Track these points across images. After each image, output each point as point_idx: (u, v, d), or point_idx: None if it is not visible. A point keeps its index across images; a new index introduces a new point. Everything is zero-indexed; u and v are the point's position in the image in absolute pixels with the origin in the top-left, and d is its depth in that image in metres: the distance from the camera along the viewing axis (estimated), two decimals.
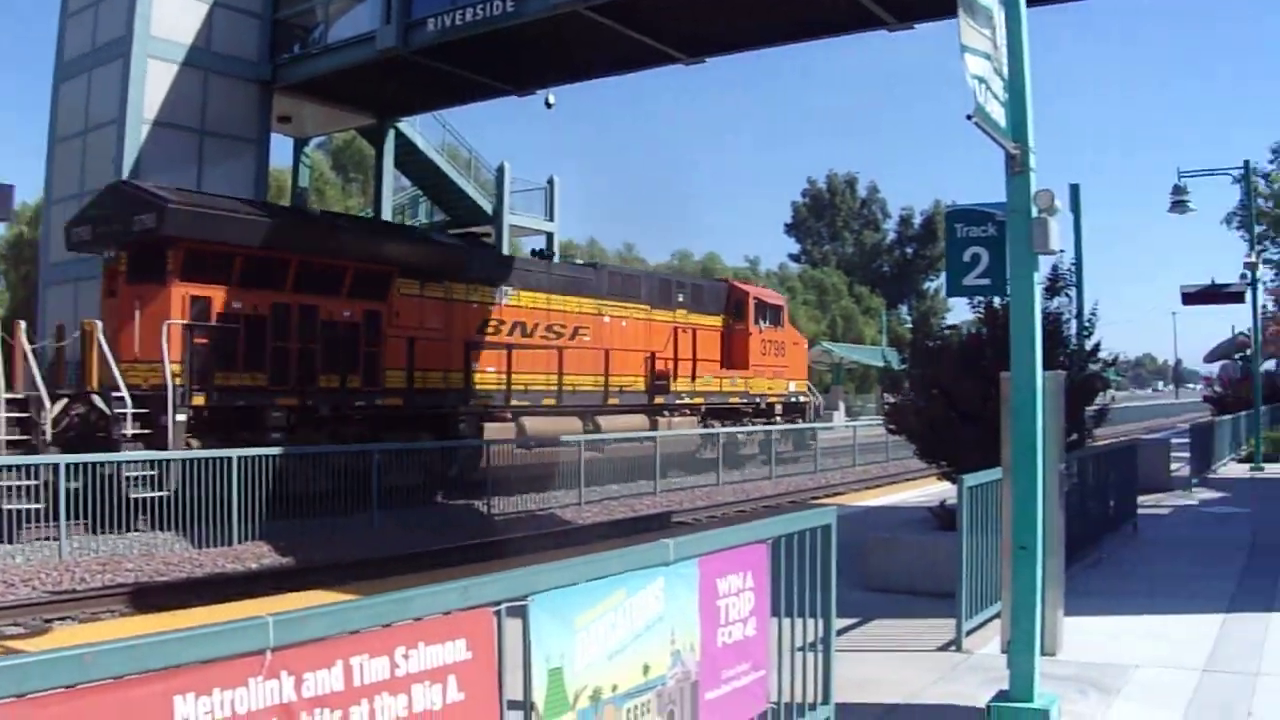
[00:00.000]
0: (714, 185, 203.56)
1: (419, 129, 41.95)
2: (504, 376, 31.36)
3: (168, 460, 20.94)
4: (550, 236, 47.38)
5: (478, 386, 30.75)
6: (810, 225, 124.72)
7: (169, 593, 17.39)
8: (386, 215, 41.39)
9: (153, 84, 31.90)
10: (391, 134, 40.89)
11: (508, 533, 23.97)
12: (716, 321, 40.86)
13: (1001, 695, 8.38)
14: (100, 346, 22.70)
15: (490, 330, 31.43)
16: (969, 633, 10.88)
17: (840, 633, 8.55)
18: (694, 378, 38.79)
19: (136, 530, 20.58)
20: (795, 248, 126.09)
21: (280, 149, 41.63)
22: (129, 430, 21.92)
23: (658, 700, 5.99)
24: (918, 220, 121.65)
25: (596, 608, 5.56)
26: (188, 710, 3.71)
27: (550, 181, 47.40)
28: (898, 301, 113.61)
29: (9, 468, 19.59)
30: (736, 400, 41.16)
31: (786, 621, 7.22)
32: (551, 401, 32.94)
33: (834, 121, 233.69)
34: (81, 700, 3.47)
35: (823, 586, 7.55)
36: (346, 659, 4.26)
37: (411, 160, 42.34)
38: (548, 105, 38.05)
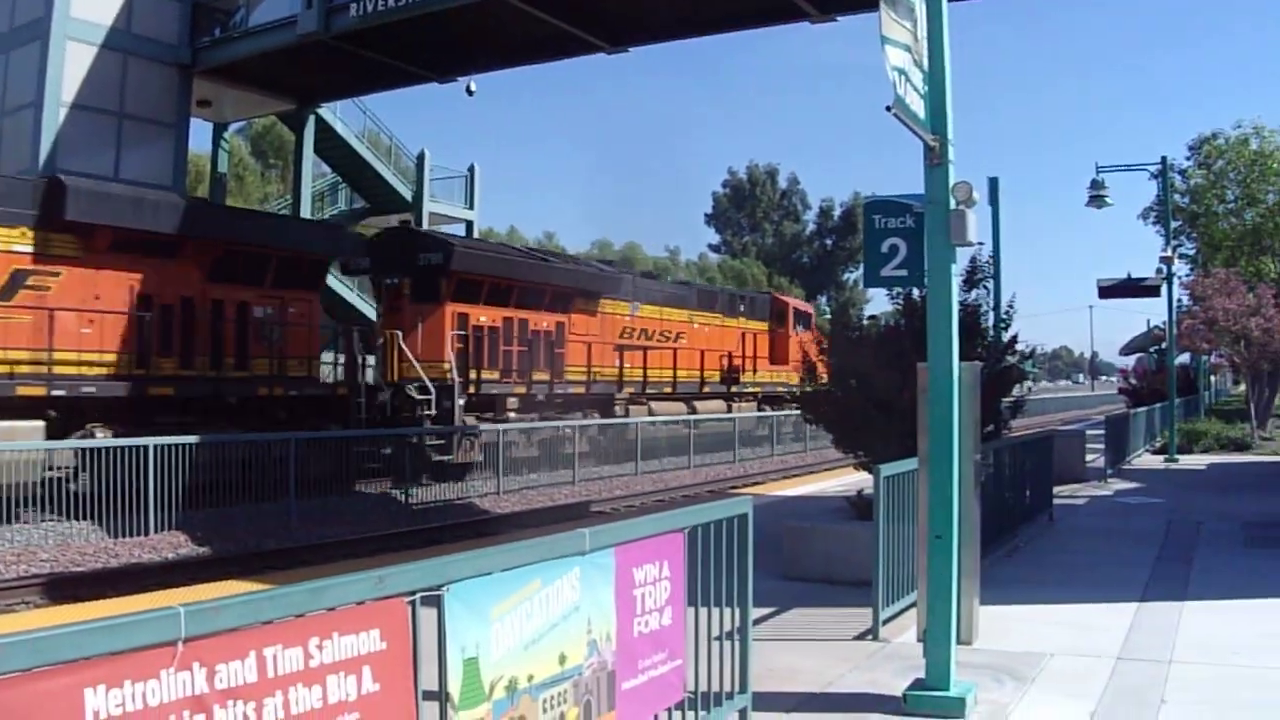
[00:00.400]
0: (635, 174, 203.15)
1: (340, 115, 41.62)
2: (640, 370, 40.78)
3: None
4: (470, 225, 47.24)
5: (625, 378, 39.82)
6: (730, 216, 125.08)
7: (84, 584, 17.20)
8: (305, 201, 41.16)
9: (71, 66, 31.30)
10: (312, 120, 40.54)
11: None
12: (764, 327, 50.11)
13: (918, 684, 8.45)
14: (402, 349, 30.18)
15: (628, 336, 40.60)
16: (886, 621, 10.94)
17: (757, 622, 8.57)
18: (754, 372, 48.40)
19: (51, 520, 20.35)
20: (715, 238, 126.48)
21: (199, 134, 41.27)
22: (431, 411, 29.49)
23: (574, 690, 5.99)
24: (837, 212, 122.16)
25: (512, 597, 5.55)
26: (98, 703, 3.67)
27: (470, 169, 47.26)
28: (817, 293, 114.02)
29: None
30: (781, 390, 47.58)
31: (704, 611, 7.23)
32: (669, 390, 42.32)
33: (755, 113, 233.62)
34: None
35: (739, 576, 7.57)
36: (260, 650, 4.23)
37: (332, 146, 42.03)
38: (469, 92, 37.93)
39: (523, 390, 34.42)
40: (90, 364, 23.95)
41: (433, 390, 29.41)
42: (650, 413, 39.80)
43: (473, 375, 32.12)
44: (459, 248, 33.14)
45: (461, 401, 30.37)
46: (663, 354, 42.11)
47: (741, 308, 48.89)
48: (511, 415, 33.37)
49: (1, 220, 22.57)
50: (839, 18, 29.27)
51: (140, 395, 24.87)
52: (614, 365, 39.14)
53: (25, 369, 22.60)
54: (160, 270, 25.60)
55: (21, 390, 22.20)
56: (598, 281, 39.23)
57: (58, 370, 23.09)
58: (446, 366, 30.58)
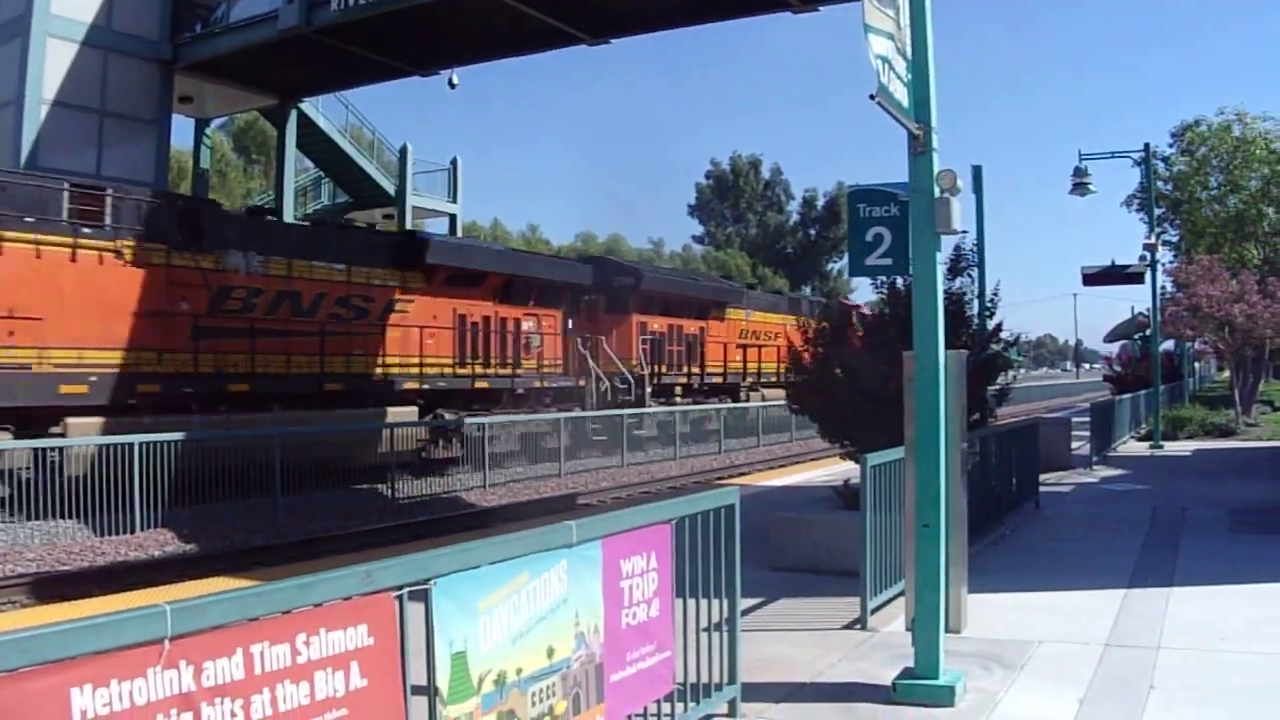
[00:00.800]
0: (618, 167, 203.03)
1: (321, 110, 41.55)
2: (757, 365, 50.64)
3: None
4: (453, 218, 47.24)
5: (746, 370, 49.81)
6: (714, 207, 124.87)
7: (70, 582, 17.13)
8: (288, 197, 41.09)
9: (52, 63, 31.23)
10: (294, 115, 40.44)
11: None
12: None
13: (907, 672, 8.45)
14: (607, 351, 40.13)
15: (744, 337, 50.18)
16: (874, 611, 10.94)
17: (745, 613, 8.59)
18: None
19: (37, 519, 20.28)
20: (699, 229, 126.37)
21: (181, 130, 41.20)
22: (631, 398, 39.87)
23: (562, 683, 5.99)
24: (821, 202, 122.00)
25: (499, 591, 5.55)
26: (85, 703, 3.66)
27: (453, 163, 47.25)
28: (801, 283, 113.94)
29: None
30: None
31: (692, 602, 7.23)
32: (774, 379, 48.65)
33: (737, 104, 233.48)
34: None
35: (727, 566, 7.58)
36: (247, 647, 4.22)
37: (314, 141, 41.99)
38: (451, 85, 37.82)
39: (684, 380, 45.19)
40: (433, 366, 31.95)
41: (632, 382, 40.24)
42: (763, 399, 48.35)
43: (654, 370, 42.31)
44: (646, 273, 46.08)
45: (649, 390, 41.11)
46: (767, 350, 51.14)
47: (816, 311, 50.18)
48: (678, 400, 43.78)
49: (380, 264, 30.41)
50: (821, 8, 29.25)
51: (468, 389, 33.44)
52: (738, 360, 49.45)
53: (397, 370, 30.81)
54: (469, 297, 33.64)
55: (406, 387, 30.97)
56: (725, 294, 50.38)
57: (426, 370, 31.66)
58: (635, 363, 41.12)
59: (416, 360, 31.12)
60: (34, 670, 3.53)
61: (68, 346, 22.44)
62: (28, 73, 30.75)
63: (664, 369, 43.57)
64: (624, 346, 41.19)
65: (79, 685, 3.64)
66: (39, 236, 22.06)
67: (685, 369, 45.63)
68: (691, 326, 45.90)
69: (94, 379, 22.83)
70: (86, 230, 22.98)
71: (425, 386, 31.51)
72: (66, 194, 22.97)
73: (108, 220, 23.58)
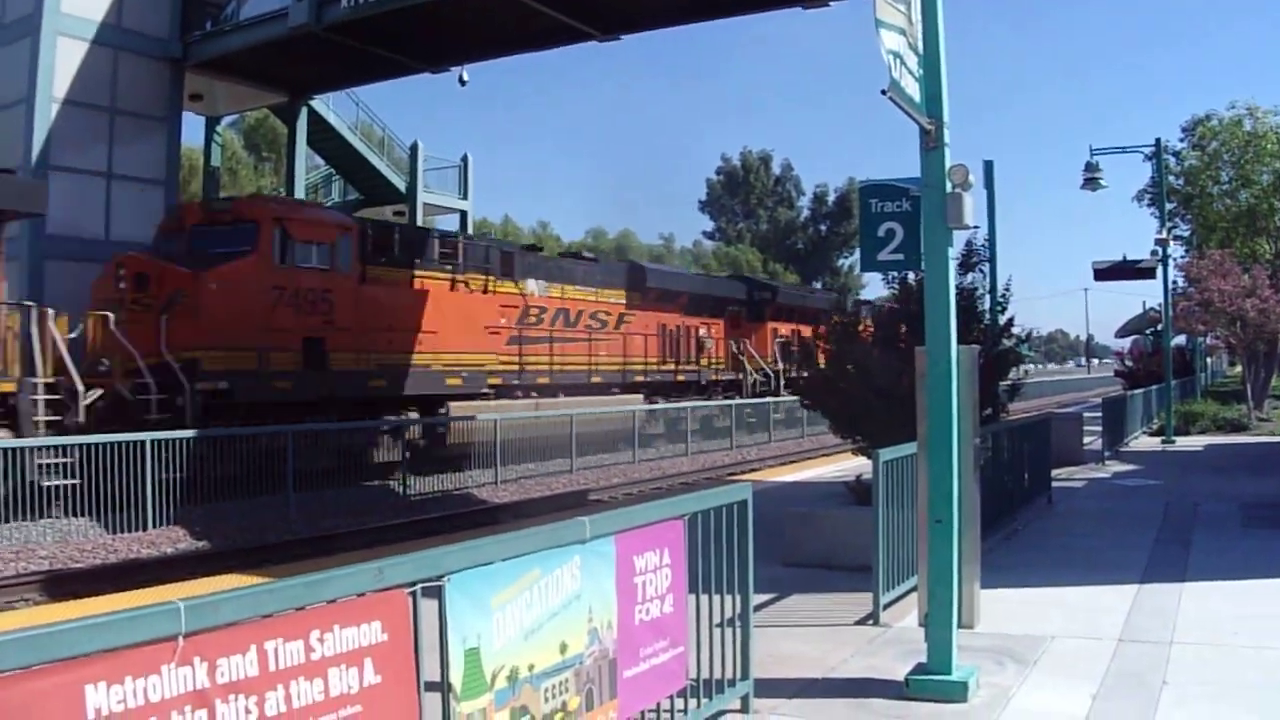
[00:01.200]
0: (628, 163, 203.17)
1: (332, 107, 41.62)
2: None
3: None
4: (464, 215, 47.32)
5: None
6: (725, 202, 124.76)
7: (83, 580, 17.15)
8: (299, 194, 40.99)
9: (62, 62, 31.30)
10: (304, 112, 40.52)
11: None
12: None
13: (920, 668, 8.44)
14: (750, 352, 48.45)
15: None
16: (886, 606, 10.94)
17: (758, 608, 8.57)
18: None
19: (50, 517, 20.31)
20: (710, 225, 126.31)
21: (192, 128, 41.29)
22: (770, 389, 48.28)
23: (576, 679, 5.99)
24: (832, 197, 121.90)
25: (512, 587, 5.55)
26: (99, 700, 3.66)
27: (464, 159, 47.35)
28: (812, 278, 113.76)
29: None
30: None
31: (704, 598, 7.23)
32: None
33: (747, 100, 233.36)
34: None
35: (740, 562, 7.58)
36: (261, 643, 4.22)
37: (325, 139, 42.03)
38: (461, 82, 37.77)
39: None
40: (651, 363, 41.26)
41: (770, 375, 48.89)
42: None
43: (784, 367, 49.60)
44: (780, 288, 57.23)
45: (784, 383, 48.39)
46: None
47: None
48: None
49: (613, 287, 40.03)
50: (830, 3, 29.24)
51: (671, 381, 42.60)
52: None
53: (617, 368, 39.15)
54: (668, 310, 43.17)
55: (636, 379, 40.07)
56: (823, 301, 57.33)
57: (647, 367, 40.97)
58: (770, 360, 49.57)
59: (641, 359, 40.60)
60: (47, 668, 3.53)
61: (449, 351, 31.25)
62: (38, 71, 30.81)
63: (788, 366, 49.63)
64: (761, 348, 49.80)
65: (93, 682, 3.64)
66: (422, 273, 30.79)
67: (797, 366, 49.04)
68: (806, 330, 49.42)
69: (465, 374, 31.78)
70: (448, 267, 31.57)
71: (647, 379, 41.03)
72: (436, 240, 32.28)
73: (460, 260, 32.05)
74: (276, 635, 4.28)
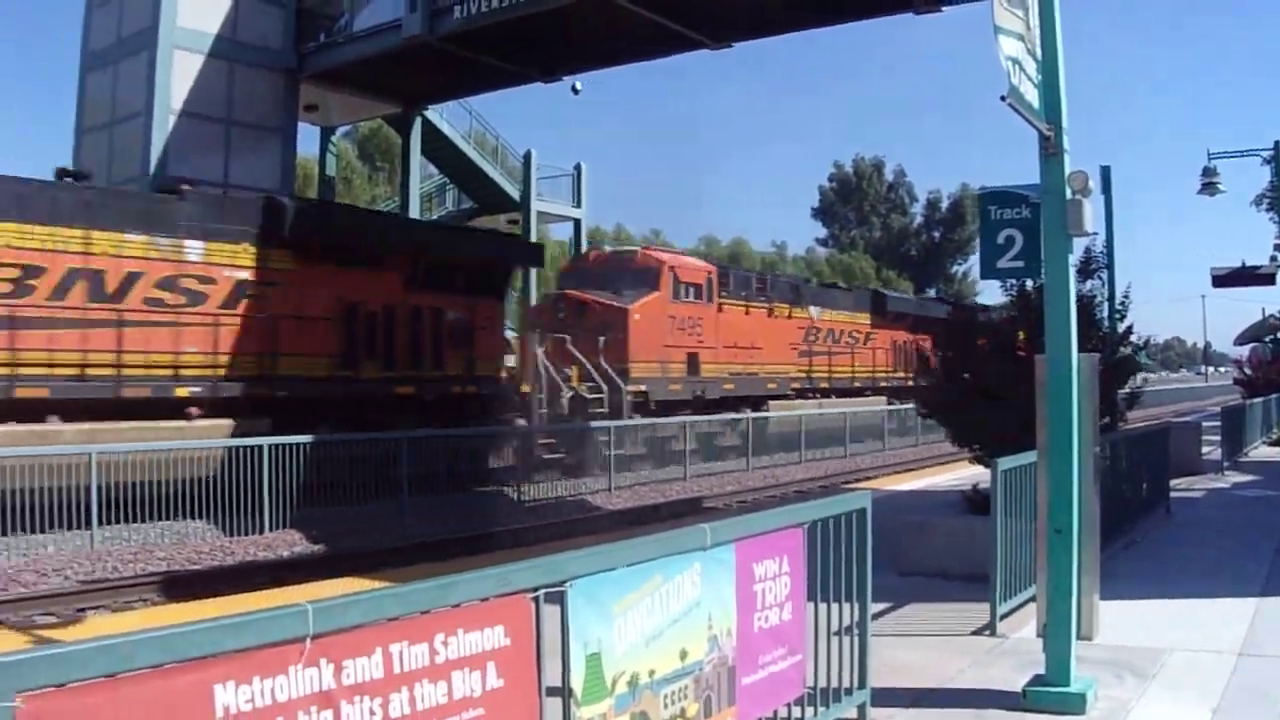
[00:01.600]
0: (742, 170, 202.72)
1: (445, 116, 41.93)
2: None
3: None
4: (578, 223, 47.56)
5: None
6: (837, 210, 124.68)
7: (200, 581, 17.39)
8: (414, 203, 41.47)
9: (179, 74, 31.89)
10: (418, 122, 40.86)
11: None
12: None
13: (1037, 679, 8.37)
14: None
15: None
16: (1003, 617, 10.84)
17: (874, 617, 8.53)
18: None
19: (167, 519, 20.64)
20: (823, 232, 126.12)
21: (306, 138, 41.76)
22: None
23: (695, 685, 5.98)
24: (945, 204, 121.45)
25: (634, 593, 5.56)
26: (228, 699, 3.72)
27: (577, 168, 47.52)
28: (926, 285, 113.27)
29: None
30: None
31: (822, 606, 7.21)
32: None
33: (860, 106, 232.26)
34: (121, 690, 3.47)
35: (859, 571, 7.55)
36: (386, 646, 4.27)
37: (439, 148, 42.33)
38: (574, 91, 37.96)
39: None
40: (890, 371, 50.87)
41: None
42: None
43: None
44: (914, 300, 60.94)
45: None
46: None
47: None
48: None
49: (862, 311, 49.36)
50: (943, 9, 29.05)
51: (903, 387, 47.49)
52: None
53: (868, 375, 49.06)
54: (895, 328, 51.19)
55: (880, 384, 49.81)
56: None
57: (890, 374, 50.58)
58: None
59: (885, 368, 49.96)
60: (178, 667, 3.59)
61: (769, 363, 40.73)
62: (156, 84, 31.42)
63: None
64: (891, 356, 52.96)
65: (222, 682, 3.70)
66: (749, 304, 40.40)
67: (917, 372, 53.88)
68: (914, 341, 50.75)
69: (778, 380, 41.23)
70: (763, 298, 41.14)
71: (884, 384, 49.44)
72: (754, 278, 42.69)
73: (770, 292, 41.83)
74: (402, 638, 4.33)
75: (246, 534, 20.61)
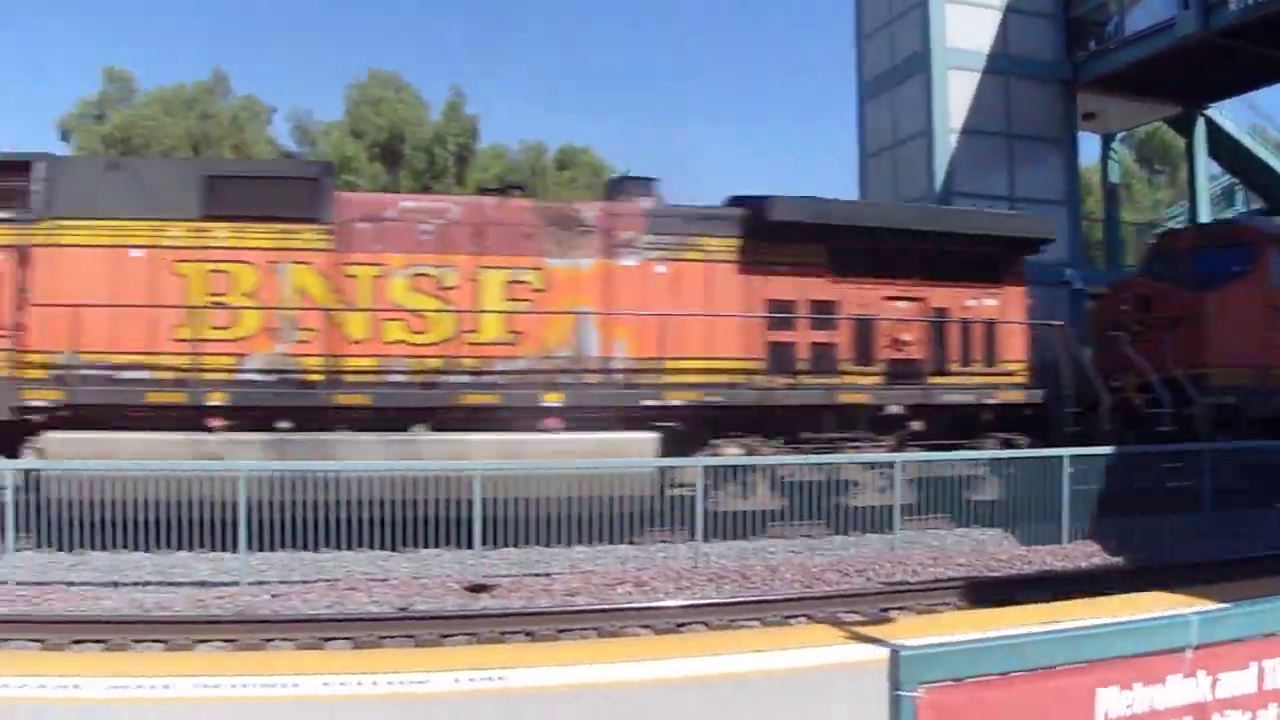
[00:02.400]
0: None
1: (1226, 113, 40.47)
2: None
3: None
4: None
5: None
6: None
7: (995, 588, 17.50)
8: (1203, 207, 40.64)
9: (954, 94, 33.03)
10: (1200, 122, 39.90)
11: None
12: None
13: None
14: None
15: None
16: None
17: None
18: None
19: (966, 526, 21.14)
20: None
21: (1083, 145, 41.53)
22: None
23: None
24: None
25: None
26: (1109, 703, 3.82)
27: None
28: None
29: None
30: None
31: None
32: None
33: None
34: (1013, 687, 3.64)
35: None
36: (1260, 660, 4.23)
37: (1223, 147, 40.84)
38: None
39: None
40: None
41: None
42: None
43: None
44: None
45: None
46: None
47: None
48: None
49: None
50: None
51: None
52: None
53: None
54: None
55: None
56: None
57: None
58: None
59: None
60: (1067, 669, 3.73)
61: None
62: (933, 105, 32.52)
63: None
64: None
65: (1105, 686, 3.81)
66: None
67: None
68: None
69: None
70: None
71: None
72: None
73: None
74: (1275, 654, 4.27)
75: (1044, 544, 20.63)
